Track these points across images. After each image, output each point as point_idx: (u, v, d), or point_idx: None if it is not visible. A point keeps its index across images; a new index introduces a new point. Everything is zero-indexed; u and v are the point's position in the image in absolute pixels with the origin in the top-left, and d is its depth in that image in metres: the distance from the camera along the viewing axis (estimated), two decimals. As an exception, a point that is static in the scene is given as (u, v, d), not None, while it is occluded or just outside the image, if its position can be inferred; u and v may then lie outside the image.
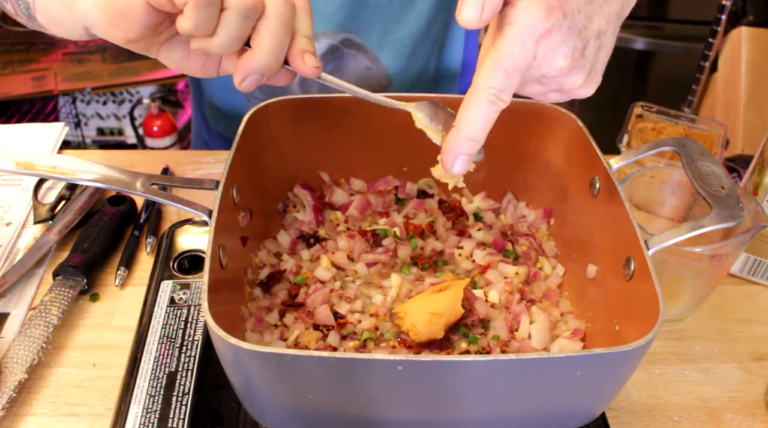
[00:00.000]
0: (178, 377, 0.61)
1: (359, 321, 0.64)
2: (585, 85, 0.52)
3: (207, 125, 1.08)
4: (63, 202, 0.80)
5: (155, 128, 2.19)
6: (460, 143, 0.48)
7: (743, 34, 1.57)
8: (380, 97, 0.56)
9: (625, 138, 0.88)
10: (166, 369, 0.62)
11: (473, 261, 0.72)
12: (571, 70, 0.49)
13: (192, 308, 0.68)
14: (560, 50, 0.48)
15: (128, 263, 0.76)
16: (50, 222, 0.78)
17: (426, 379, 0.48)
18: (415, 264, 0.71)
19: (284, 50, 0.49)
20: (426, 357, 0.57)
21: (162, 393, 0.60)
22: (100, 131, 2.32)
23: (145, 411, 0.59)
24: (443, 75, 0.98)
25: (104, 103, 2.27)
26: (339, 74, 0.93)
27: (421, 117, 0.55)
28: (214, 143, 1.09)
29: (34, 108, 2.16)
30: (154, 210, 0.83)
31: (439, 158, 0.51)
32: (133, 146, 2.30)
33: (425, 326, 0.61)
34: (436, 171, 0.53)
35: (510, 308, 0.67)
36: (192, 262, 0.74)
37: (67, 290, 0.70)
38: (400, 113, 0.72)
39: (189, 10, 0.45)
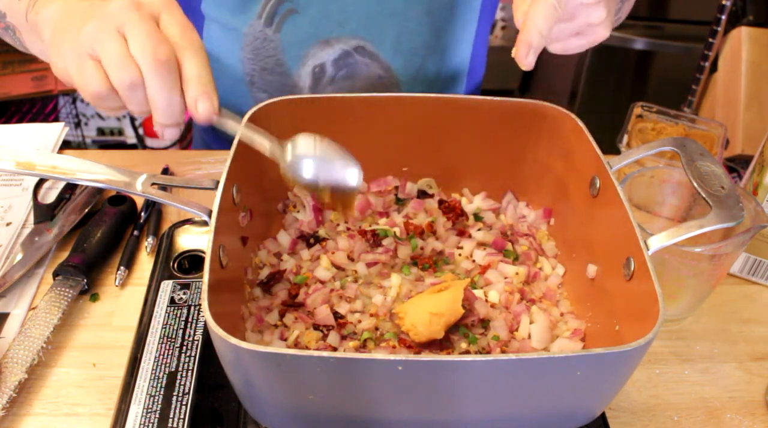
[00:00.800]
0: (178, 377, 0.61)
1: (359, 321, 0.64)
2: (605, 22, 0.61)
3: (212, 126, 1.08)
4: (63, 202, 0.80)
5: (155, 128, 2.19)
6: (532, 36, 0.57)
7: (743, 34, 1.56)
8: (256, 141, 0.58)
9: (625, 138, 0.88)
10: (166, 369, 0.62)
11: (473, 261, 0.72)
12: (599, 2, 0.59)
13: (192, 308, 0.68)
14: None
15: (128, 263, 0.76)
16: (50, 222, 0.78)
17: (426, 379, 0.48)
18: (415, 264, 0.71)
19: (175, 105, 0.51)
20: (426, 357, 0.57)
21: (162, 393, 0.60)
22: (100, 131, 2.32)
23: (145, 411, 0.59)
24: (450, 77, 0.99)
25: (104, 103, 2.27)
26: (351, 81, 0.94)
27: (288, 162, 0.58)
28: (217, 145, 1.09)
29: (34, 108, 2.16)
30: (154, 210, 0.83)
31: (513, 52, 0.59)
32: (133, 146, 2.30)
33: (425, 326, 0.61)
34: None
35: (510, 308, 0.67)
36: (192, 262, 0.74)
37: (67, 290, 0.70)
38: (400, 113, 0.72)
39: (92, 103, 0.52)
